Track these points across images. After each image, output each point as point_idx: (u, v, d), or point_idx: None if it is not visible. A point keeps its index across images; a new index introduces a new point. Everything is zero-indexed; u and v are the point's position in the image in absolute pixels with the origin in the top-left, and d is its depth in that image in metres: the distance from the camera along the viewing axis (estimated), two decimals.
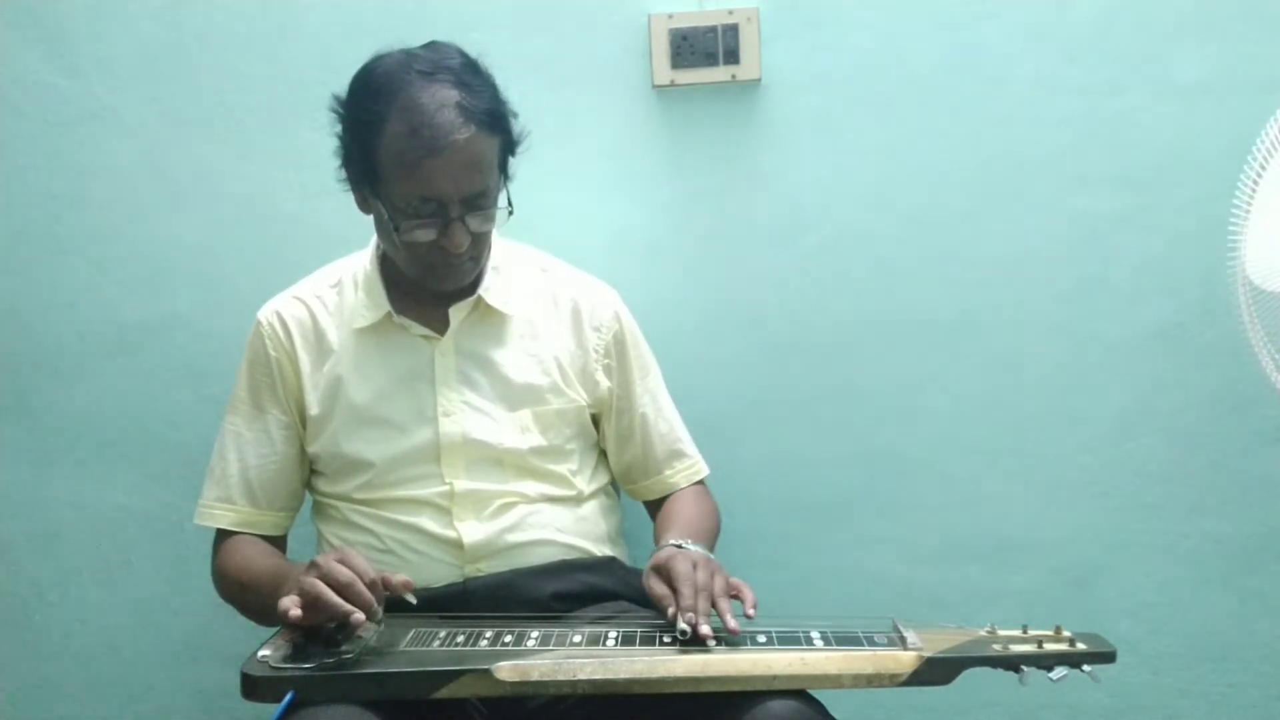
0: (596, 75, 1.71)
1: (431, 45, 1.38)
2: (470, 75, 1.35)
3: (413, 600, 1.26)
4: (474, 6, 1.69)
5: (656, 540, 1.47)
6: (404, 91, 1.32)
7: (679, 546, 1.33)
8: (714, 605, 1.23)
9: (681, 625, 1.20)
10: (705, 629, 1.20)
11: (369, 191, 1.39)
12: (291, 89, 1.71)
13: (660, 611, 1.26)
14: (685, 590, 1.23)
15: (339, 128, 1.40)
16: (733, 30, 1.67)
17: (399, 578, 1.24)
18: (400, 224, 1.35)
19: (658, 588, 1.28)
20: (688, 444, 1.57)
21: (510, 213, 1.41)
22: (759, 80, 1.69)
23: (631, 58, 1.70)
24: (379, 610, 1.20)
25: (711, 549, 1.45)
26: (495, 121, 1.36)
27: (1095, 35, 1.67)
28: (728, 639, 1.22)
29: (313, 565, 1.22)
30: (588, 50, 1.70)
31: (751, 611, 1.25)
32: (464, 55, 1.38)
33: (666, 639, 1.23)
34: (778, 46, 1.69)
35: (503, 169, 1.40)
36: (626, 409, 1.54)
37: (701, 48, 1.67)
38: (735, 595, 1.27)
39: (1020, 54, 1.68)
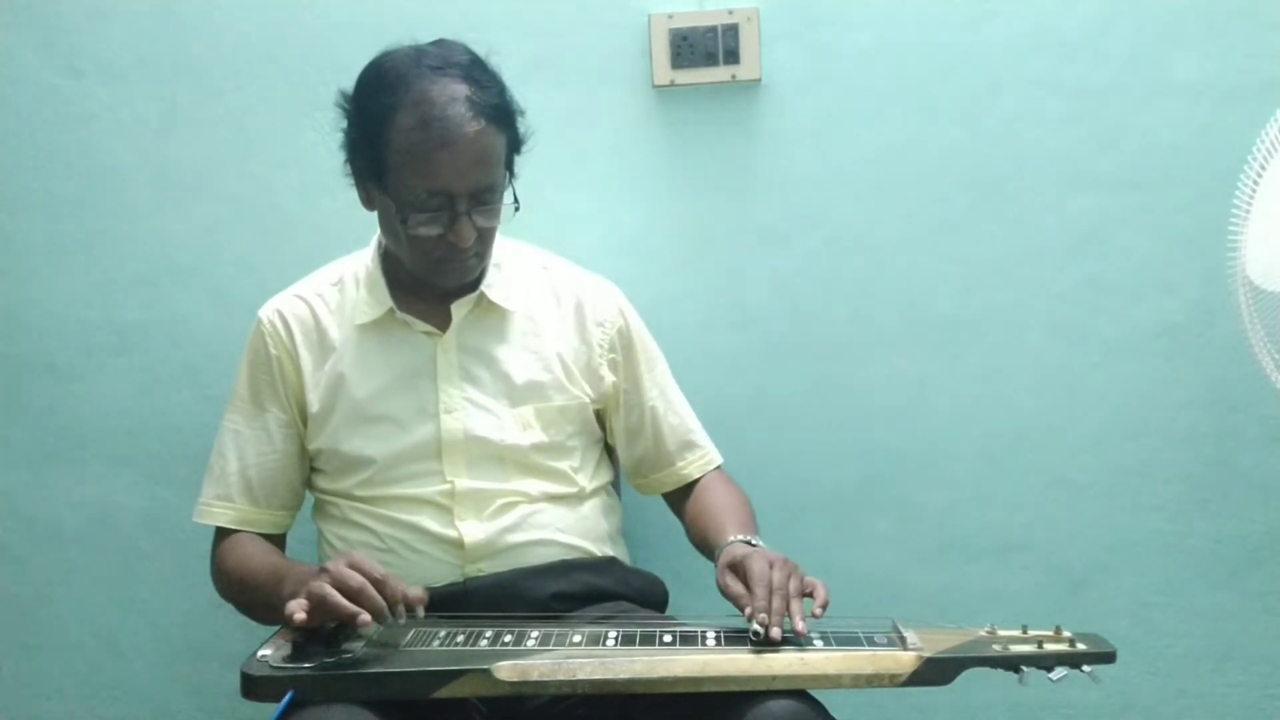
0: (596, 75, 1.71)
1: (440, 42, 1.39)
2: (479, 71, 1.36)
3: (420, 614, 1.24)
4: (474, 7, 1.69)
5: (698, 533, 1.46)
6: (415, 85, 1.32)
7: (750, 543, 1.33)
8: (787, 605, 1.23)
9: (755, 627, 1.20)
10: (776, 632, 1.20)
11: (375, 186, 1.39)
12: (291, 89, 1.71)
13: (739, 610, 1.25)
14: (760, 591, 1.23)
15: (344, 123, 1.40)
16: (733, 30, 1.67)
17: (415, 592, 1.22)
18: (408, 217, 1.35)
19: (734, 586, 1.27)
20: (699, 434, 1.57)
21: (516, 209, 1.41)
22: (759, 80, 1.69)
23: (631, 58, 1.70)
24: (389, 616, 1.19)
25: None
26: (503, 117, 1.36)
27: (1095, 35, 1.67)
28: (795, 640, 1.21)
29: (323, 571, 1.22)
30: (588, 50, 1.70)
31: (819, 611, 1.24)
32: (471, 53, 1.38)
33: (667, 638, 1.23)
34: (778, 46, 1.69)
35: (509, 165, 1.41)
36: (635, 403, 1.53)
37: (701, 48, 1.67)
38: (808, 594, 1.26)
39: (1020, 54, 1.68)
